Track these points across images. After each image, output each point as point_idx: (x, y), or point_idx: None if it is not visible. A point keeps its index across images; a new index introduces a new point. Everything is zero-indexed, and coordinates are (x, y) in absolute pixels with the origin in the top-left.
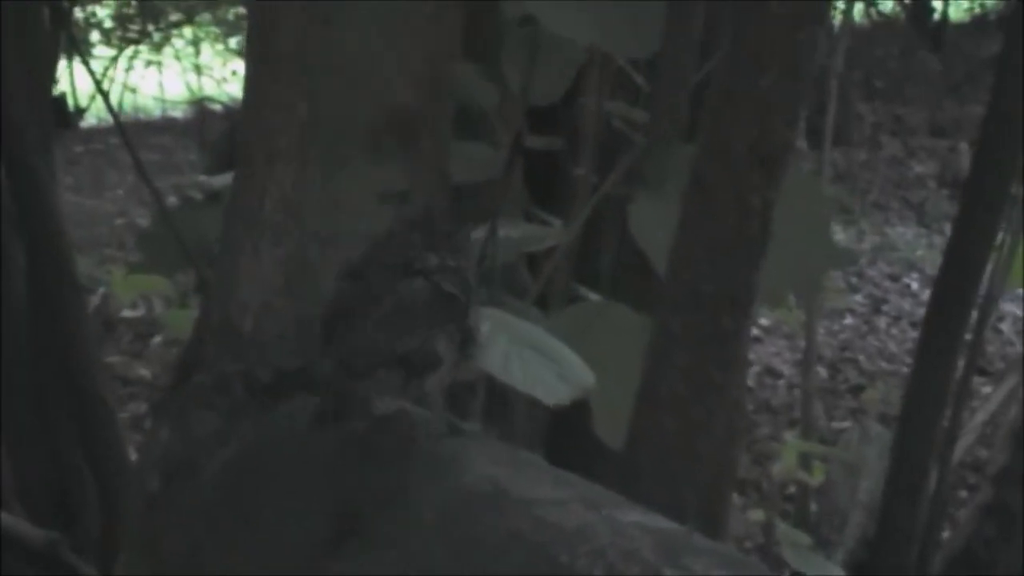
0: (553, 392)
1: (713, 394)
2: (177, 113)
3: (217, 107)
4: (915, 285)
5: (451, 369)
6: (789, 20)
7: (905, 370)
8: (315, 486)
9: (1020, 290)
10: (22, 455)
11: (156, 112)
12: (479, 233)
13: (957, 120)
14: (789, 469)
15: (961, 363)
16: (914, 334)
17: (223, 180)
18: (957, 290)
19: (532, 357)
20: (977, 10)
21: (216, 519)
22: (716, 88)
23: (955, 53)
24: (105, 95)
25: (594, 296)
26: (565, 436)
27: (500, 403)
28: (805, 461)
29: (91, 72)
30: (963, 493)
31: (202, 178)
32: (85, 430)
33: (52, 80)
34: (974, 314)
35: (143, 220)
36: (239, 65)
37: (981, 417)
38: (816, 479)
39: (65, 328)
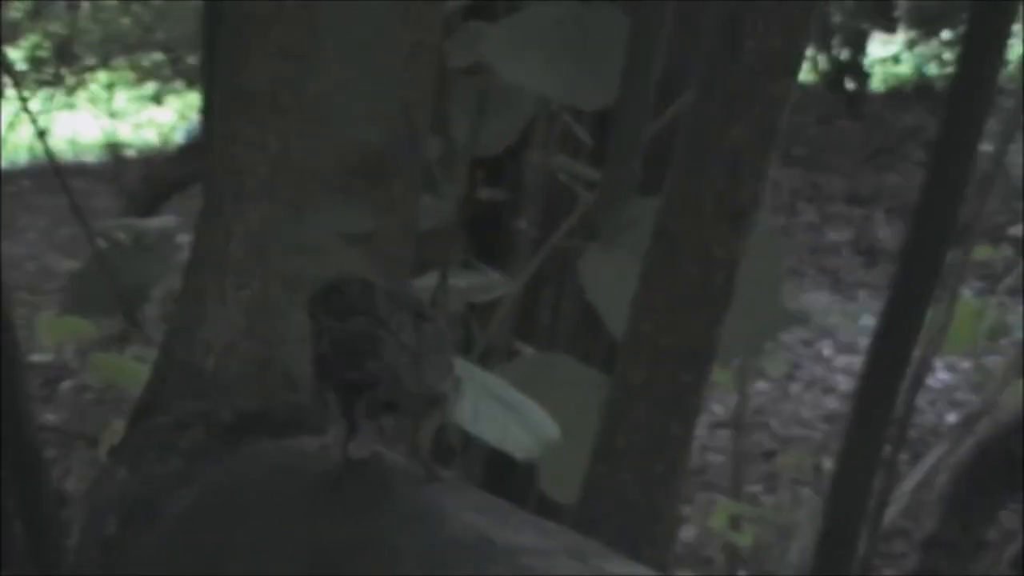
0: (520, 445)
1: (673, 448)
2: (90, 158)
3: (131, 153)
4: (828, 351)
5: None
6: (762, 71)
7: (818, 435)
8: (285, 531)
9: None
10: None
11: (69, 156)
12: (427, 281)
13: (874, 189)
14: (719, 530)
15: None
16: (827, 400)
17: (153, 223)
18: (891, 355)
19: (499, 410)
20: (895, 81)
21: (178, 564)
22: (684, 138)
23: (874, 123)
24: (42, 134)
25: (532, 351)
26: (502, 489)
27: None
28: (733, 523)
29: (28, 112)
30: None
31: (130, 221)
32: (15, 476)
33: None
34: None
35: (55, 264)
36: (154, 112)
37: (908, 485)
38: (745, 542)
39: None
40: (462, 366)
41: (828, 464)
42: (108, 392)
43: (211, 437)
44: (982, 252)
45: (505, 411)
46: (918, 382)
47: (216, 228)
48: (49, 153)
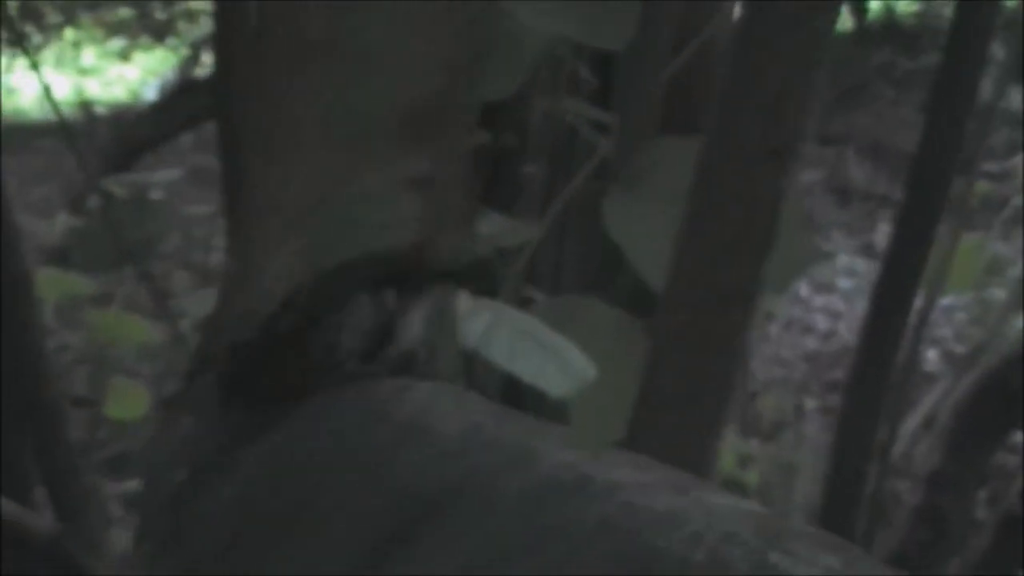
0: (557, 384)
1: (717, 392)
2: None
3: (101, 110)
4: (804, 292)
5: None
6: (805, 4)
7: (798, 376)
8: (373, 477)
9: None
10: None
11: (38, 115)
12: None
13: (844, 128)
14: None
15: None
16: (806, 340)
17: (156, 177)
18: (897, 292)
19: (536, 349)
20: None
21: (255, 514)
22: (726, 75)
23: (842, 62)
24: (48, 90)
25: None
26: None
27: None
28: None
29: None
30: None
31: (134, 175)
32: (35, 431)
33: None
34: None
35: (30, 224)
36: (124, 69)
37: (912, 422)
38: (751, 481)
39: (15, 323)
40: (497, 307)
41: (810, 404)
42: (89, 352)
43: (275, 386)
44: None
45: (542, 350)
46: (923, 318)
47: (273, 177)
48: (56, 108)
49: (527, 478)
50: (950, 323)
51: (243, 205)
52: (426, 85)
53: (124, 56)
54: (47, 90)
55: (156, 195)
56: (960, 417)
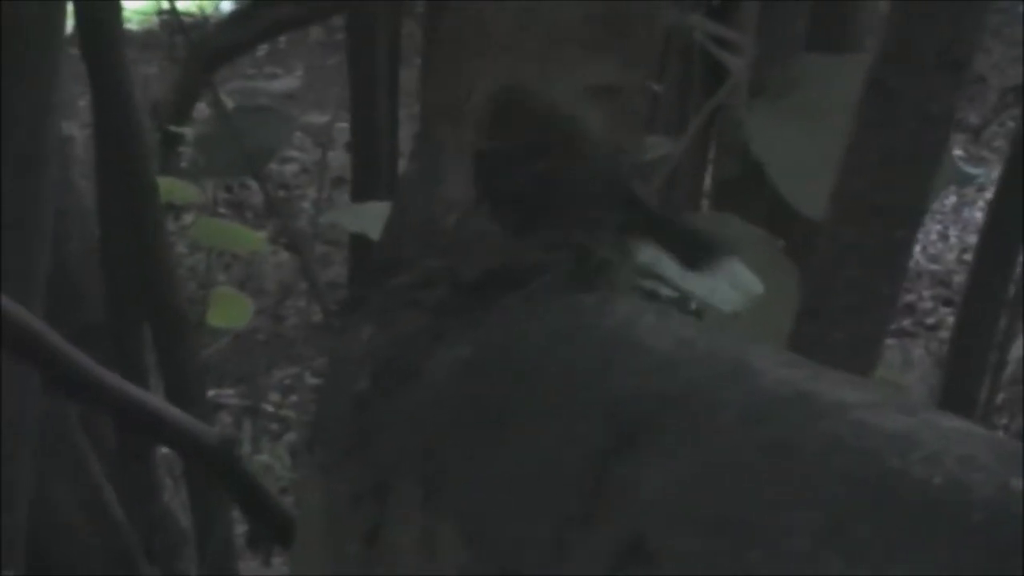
0: (728, 299)
1: (883, 306)
2: (133, 26)
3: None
4: None
5: None
6: None
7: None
8: (584, 387)
9: None
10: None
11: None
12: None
13: None
14: None
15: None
16: None
17: (275, 86)
18: (1013, 211)
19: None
20: None
21: (453, 420)
22: None
23: None
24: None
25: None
26: None
27: None
28: None
29: None
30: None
31: (254, 84)
32: (162, 340)
33: None
34: None
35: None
36: None
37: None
38: None
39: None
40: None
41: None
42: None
43: (457, 295)
44: None
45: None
46: None
47: (455, 82)
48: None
49: (749, 392)
50: None
51: (427, 109)
52: None
53: None
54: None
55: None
56: None
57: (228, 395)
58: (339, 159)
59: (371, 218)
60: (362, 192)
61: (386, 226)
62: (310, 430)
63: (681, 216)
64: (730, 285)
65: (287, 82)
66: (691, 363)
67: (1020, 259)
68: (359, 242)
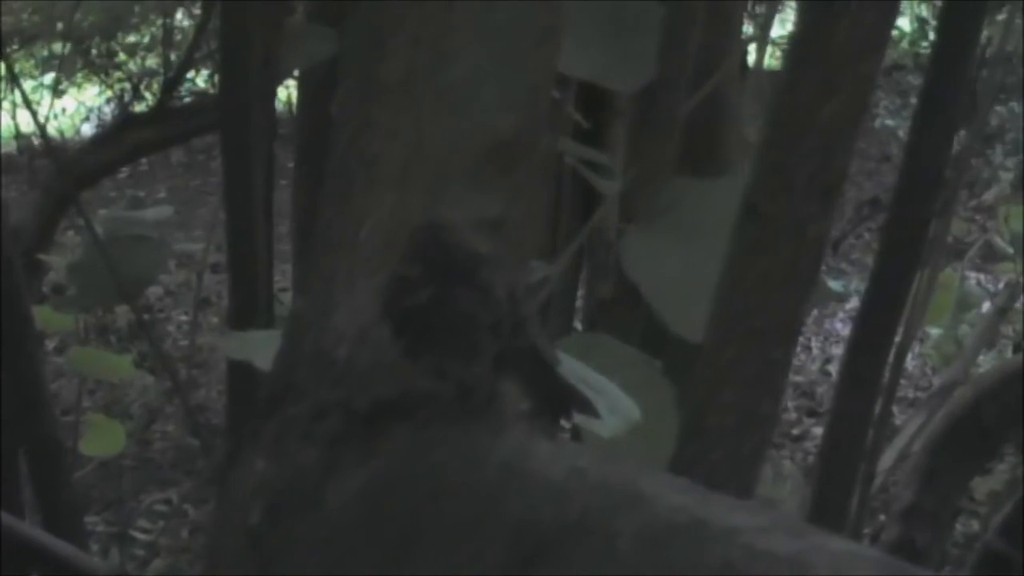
0: (607, 425)
1: (762, 426)
2: None
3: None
4: None
5: None
6: (855, 50)
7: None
8: (478, 516)
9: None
10: None
11: None
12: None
13: None
14: None
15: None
16: None
17: (149, 214)
18: (879, 326)
19: (585, 391)
20: None
21: (353, 554)
22: (774, 116)
23: None
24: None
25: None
26: None
27: None
28: None
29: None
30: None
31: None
32: (38, 470)
33: None
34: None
35: None
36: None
37: (888, 457)
38: None
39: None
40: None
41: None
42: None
43: (351, 425)
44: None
45: (589, 391)
46: (903, 353)
47: (347, 215)
48: (44, 134)
49: (642, 520)
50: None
51: (316, 242)
52: (501, 125)
53: (56, 91)
54: (34, 114)
55: (148, 232)
56: (934, 452)
57: (94, 521)
58: (204, 280)
59: (255, 346)
60: (240, 317)
61: (278, 357)
62: (203, 567)
63: (554, 357)
64: (608, 410)
65: (159, 211)
66: (586, 491)
67: (886, 372)
68: (237, 369)
